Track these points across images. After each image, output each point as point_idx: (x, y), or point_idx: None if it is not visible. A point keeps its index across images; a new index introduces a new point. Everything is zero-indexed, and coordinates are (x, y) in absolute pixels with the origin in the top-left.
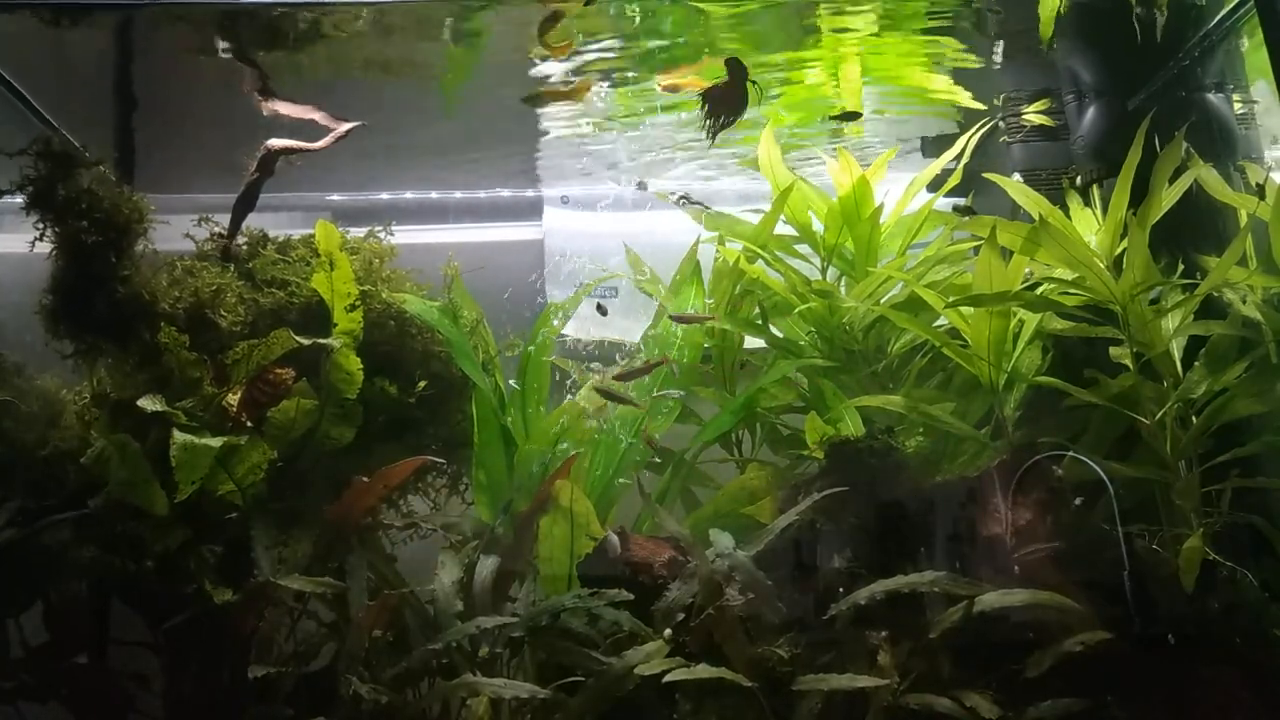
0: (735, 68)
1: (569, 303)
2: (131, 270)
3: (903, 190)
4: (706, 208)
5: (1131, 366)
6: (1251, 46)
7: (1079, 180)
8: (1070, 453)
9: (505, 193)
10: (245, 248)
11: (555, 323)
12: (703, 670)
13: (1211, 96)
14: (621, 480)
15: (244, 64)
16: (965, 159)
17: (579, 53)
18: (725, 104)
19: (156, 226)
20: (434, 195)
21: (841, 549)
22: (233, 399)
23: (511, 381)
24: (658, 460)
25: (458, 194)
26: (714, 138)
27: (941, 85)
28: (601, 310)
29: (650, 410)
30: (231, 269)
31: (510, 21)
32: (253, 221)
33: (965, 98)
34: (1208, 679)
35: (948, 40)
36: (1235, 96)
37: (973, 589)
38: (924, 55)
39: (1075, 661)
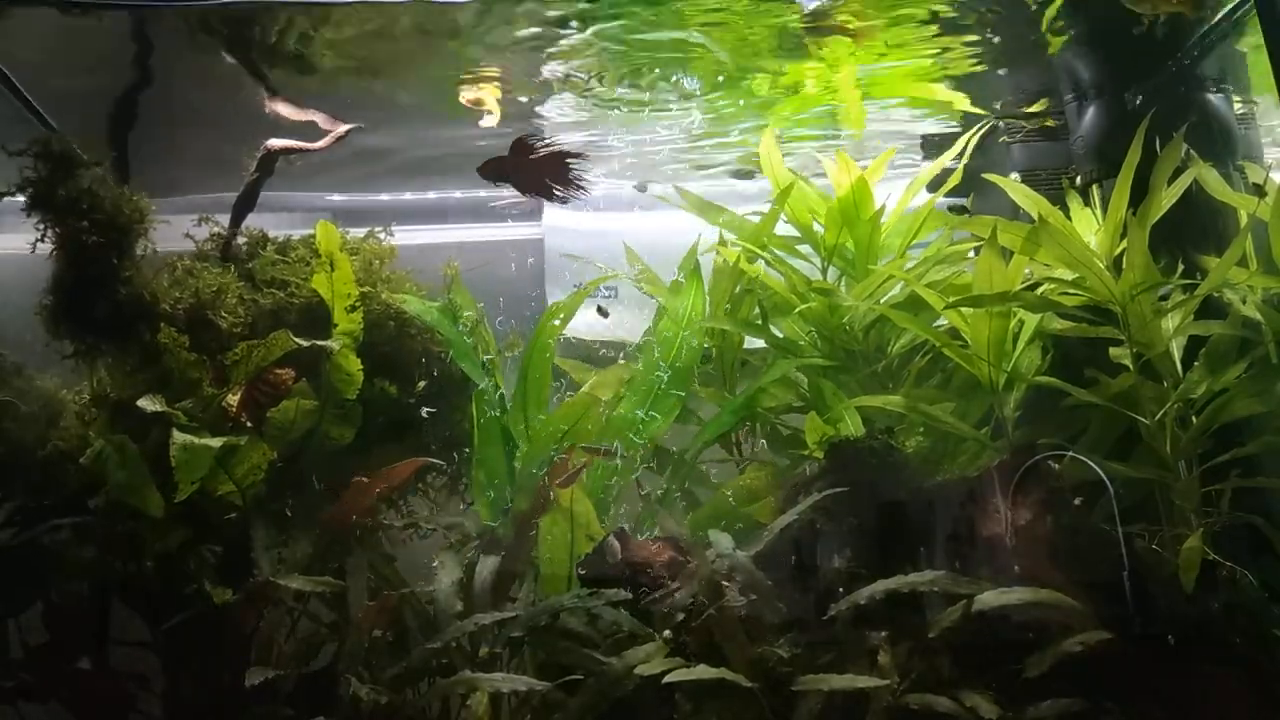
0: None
1: (570, 302)
2: (132, 271)
3: (902, 190)
4: None
5: (1131, 366)
6: (1252, 46)
7: (1079, 180)
8: (1070, 453)
9: (506, 192)
10: (245, 248)
11: (556, 323)
12: (702, 670)
13: (1211, 96)
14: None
15: (245, 68)
16: (965, 159)
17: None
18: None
19: (156, 227)
20: (433, 195)
21: (841, 549)
22: (233, 399)
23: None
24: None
25: (457, 194)
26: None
27: (941, 90)
28: (603, 312)
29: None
30: (232, 269)
31: None
32: (253, 221)
33: (964, 102)
34: (1208, 679)
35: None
36: (1235, 96)
37: (972, 588)
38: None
39: (1075, 661)
